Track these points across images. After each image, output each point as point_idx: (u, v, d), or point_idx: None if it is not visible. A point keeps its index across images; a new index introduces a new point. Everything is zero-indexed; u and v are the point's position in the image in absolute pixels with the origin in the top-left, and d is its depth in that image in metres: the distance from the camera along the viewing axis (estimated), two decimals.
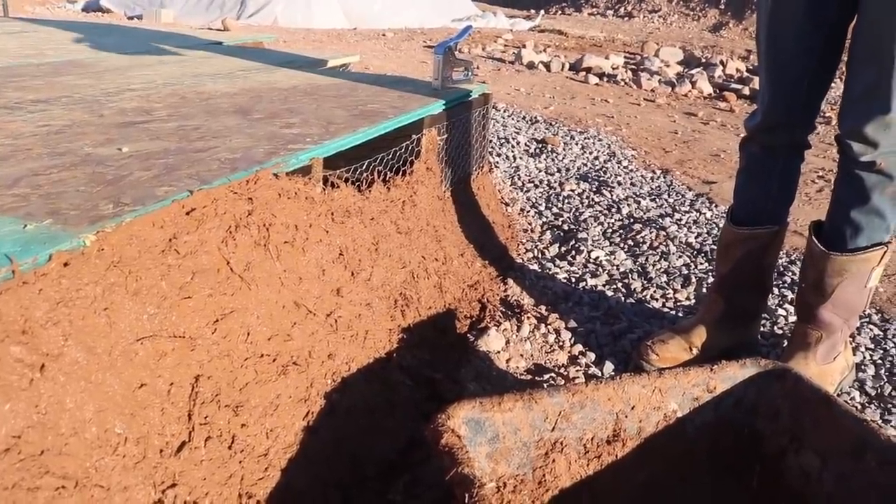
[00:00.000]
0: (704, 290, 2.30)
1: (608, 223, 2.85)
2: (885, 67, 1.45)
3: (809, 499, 1.23)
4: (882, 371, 1.87)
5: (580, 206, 3.05)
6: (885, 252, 1.63)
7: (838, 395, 1.75)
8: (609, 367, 1.85)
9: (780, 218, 1.86)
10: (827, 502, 1.21)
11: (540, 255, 2.53)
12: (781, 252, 1.95)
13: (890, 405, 1.73)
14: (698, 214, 3.01)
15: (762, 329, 2.06)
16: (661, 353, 1.83)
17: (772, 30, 1.67)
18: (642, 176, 3.58)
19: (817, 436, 1.24)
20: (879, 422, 1.68)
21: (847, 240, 1.64)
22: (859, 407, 1.74)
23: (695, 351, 1.87)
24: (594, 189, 3.29)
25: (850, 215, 1.63)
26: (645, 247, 2.61)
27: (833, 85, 1.73)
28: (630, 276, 2.37)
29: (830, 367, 1.74)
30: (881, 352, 1.96)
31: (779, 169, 1.81)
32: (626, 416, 1.26)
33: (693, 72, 7.00)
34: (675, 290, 2.28)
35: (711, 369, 1.32)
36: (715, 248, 2.60)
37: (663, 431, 1.30)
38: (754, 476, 1.34)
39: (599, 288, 2.29)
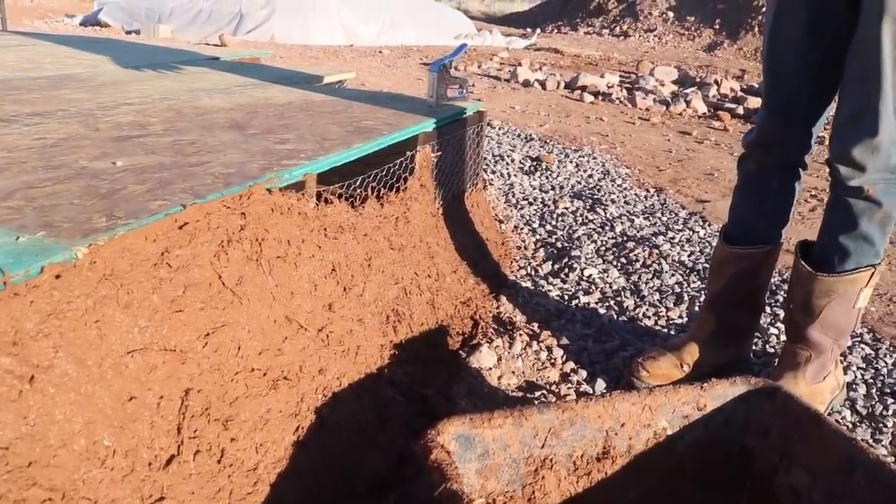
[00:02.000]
0: (697, 308, 2.31)
1: (601, 241, 2.86)
2: (873, 89, 1.46)
3: None
4: (873, 390, 1.87)
5: (574, 223, 3.06)
6: (872, 273, 1.63)
7: (829, 414, 1.75)
8: (601, 384, 1.85)
9: (774, 238, 1.87)
10: None
11: (533, 273, 2.54)
12: (774, 271, 1.95)
13: (881, 424, 1.74)
14: (691, 233, 3.02)
15: (753, 348, 2.06)
16: (651, 370, 1.84)
17: (773, 44, 1.68)
18: (636, 194, 3.59)
19: (807, 454, 1.24)
20: (870, 441, 1.68)
21: (835, 263, 1.65)
22: (850, 426, 1.74)
23: (686, 368, 1.87)
24: (588, 207, 3.30)
25: (838, 240, 1.63)
26: (638, 265, 2.62)
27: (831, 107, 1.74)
28: (623, 293, 2.38)
29: (820, 387, 1.75)
30: (872, 371, 1.97)
31: (774, 188, 1.82)
32: (616, 434, 1.26)
33: (688, 91, 7.05)
34: (668, 309, 2.29)
35: (701, 387, 1.32)
36: (708, 266, 2.61)
37: (653, 449, 1.30)
38: (744, 494, 1.34)
39: (592, 305, 2.29)
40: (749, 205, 1.86)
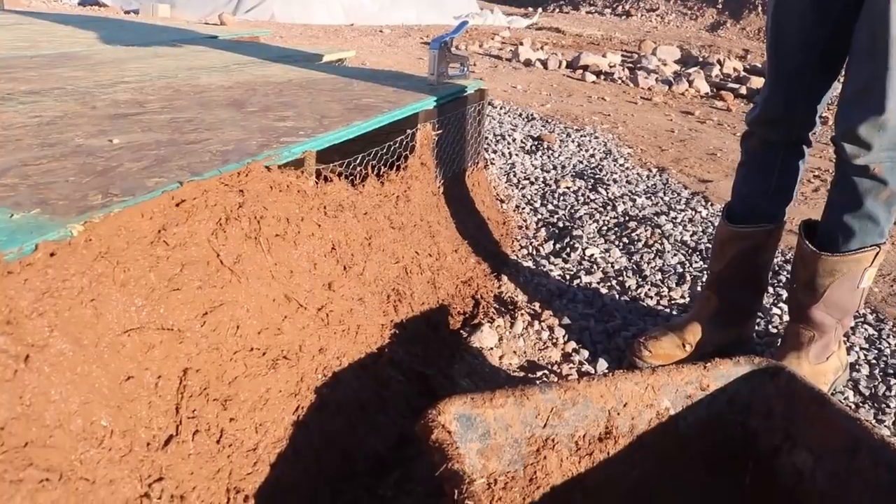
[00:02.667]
0: (699, 288, 2.29)
1: (603, 221, 2.84)
2: (879, 67, 1.44)
3: (802, 497, 1.23)
4: (876, 371, 1.86)
5: (575, 203, 3.04)
6: (877, 253, 1.62)
7: (832, 395, 1.74)
8: (603, 364, 1.84)
9: (777, 216, 1.85)
10: (819, 501, 1.20)
11: (534, 252, 2.52)
12: (777, 251, 1.94)
13: (884, 405, 1.73)
14: (694, 213, 3.00)
15: (757, 328, 2.05)
16: (653, 349, 1.82)
17: (777, 19, 1.66)
18: (638, 174, 3.57)
19: (811, 434, 1.23)
20: (873, 421, 1.67)
21: (839, 242, 1.64)
22: (853, 406, 1.73)
23: (688, 348, 1.86)
24: (590, 186, 3.28)
25: (843, 219, 1.62)
26: (640, 245, 2.60)
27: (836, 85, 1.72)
28: (625, 273, 2.37)
29: (823, 367, 1.73)
30: (875, 352, 1.96)
31: (777, 166, 1.80)
32: (619, 414, 1.25)
33: (690, 71, 7.00)
34: (670, 289, 2.27)
35: (705, 367, 1.31)
36: (710, 246, 2.60)
37: (656, 429, 1.29)
38: (747, 474, 1.34)
39: (594, 285, 2.28)
40: (752, 183, 1.84)
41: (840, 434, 1.18)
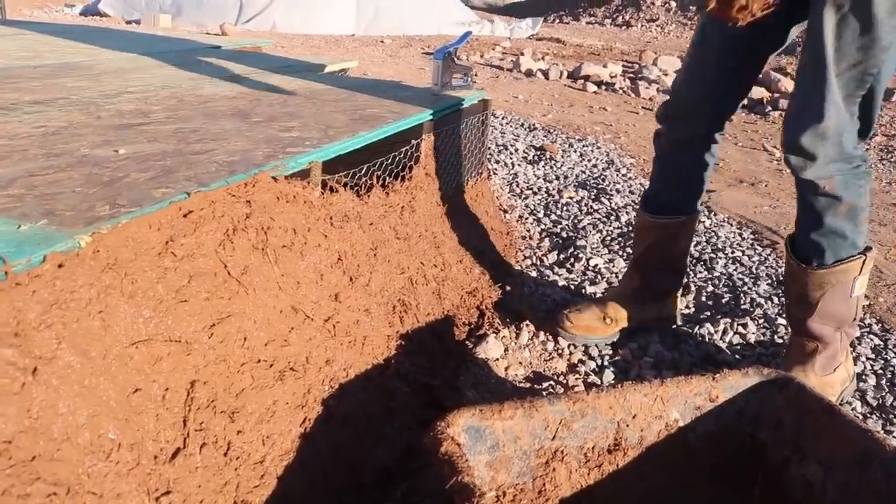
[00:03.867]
0: (703, 298, 2.29)
1: (607, 231, 2.83)
2: (819, 77, 1.46)
3: None
4: (883, 381, 1.86)
5: (579, 213, 3.04)
6: (864, 261, 1.63)
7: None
8: (609, 375, 1.83)
9: (689, 209, 1.93)
10: None
11: (538, 263, 2.52)
12: (693, 237, 2.00)
13: (892, 415, 1.72)
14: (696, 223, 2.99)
15: (762, 338, 2.04)
16: (575, 321, 1.92)
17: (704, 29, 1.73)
18: (641, 184, 3.57)
19: (820, 446, 1.22)
20: (882, 432, 1.66)
21: (815, 258, 1.65)
22: (861, 417, 1.72)
23: (608, 322, 1.94)
24: (593, 197, 3.28)
25: (810, 237, 1.64)
26: None
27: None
28: None
29: (831, 378, 1.73)
30: (882, 362, 1.95)
31: (684, 162, 1.87)
32: (628, 425, 1.25)
33: None
34: None
35: (714, 378, 1.31)
36: (712, 255, 2.60)
37: (665, 440, 1.28)
38: (756, 486, 1.33)
39: (598, 295, 2.27)
40: (662, 178, 1.92)
41: (850, 445, 1.17)
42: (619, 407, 1.23)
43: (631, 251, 2.04)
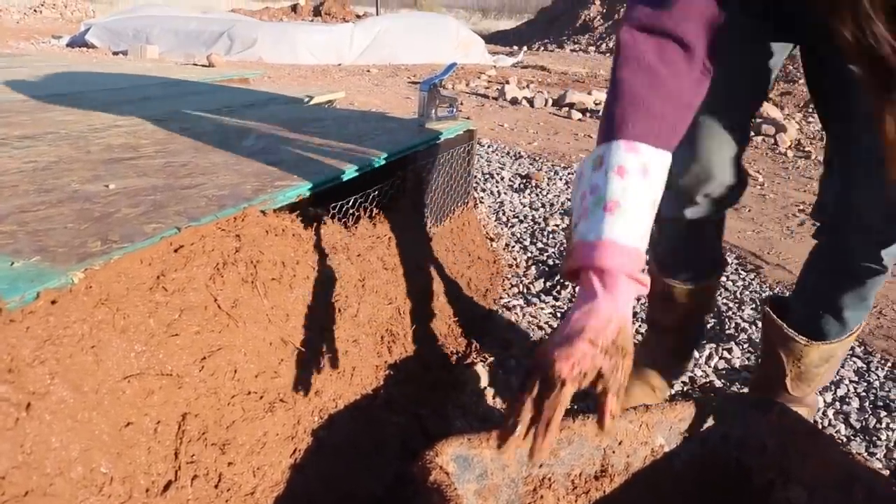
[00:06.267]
0: None
1: None
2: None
3: None
4: (866, 404, 1.88)
5: (565, 241, 3.07)
6: None
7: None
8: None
9: (720, 268, 1.78)
10: None
11: (525, 290, 2.54)
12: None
13: (875, 437, 1.74)
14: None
15: (747, 362, 2.07)
16: (628, 401, 1.70)
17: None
18: None
19: (804, 469, 1.24)
20: (865, 454, 1.69)
21: (834, 332, 1.51)
22: (844, 440, 1.75)
23: (657, 391, 1.79)
24: None
25: (842, 313, 1.48)
26: None
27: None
28: None
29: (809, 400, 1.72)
30: (865, 384, 1.98)
31: (710, 234, 1.68)
32: (614, 452, 1.27)
33: None
34: None
35: (697, 403, 1.33)
36: None
37: (651, 466, 1.30)
38: None
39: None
40: (695, 247, 1.67)
41: (834, 468, 1.20)
42: (605, 433, 1.25)
43: (655, 315, 1.80)
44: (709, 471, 1.33)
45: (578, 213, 1.05)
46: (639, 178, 1.02)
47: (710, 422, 1.33)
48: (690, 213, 1.51)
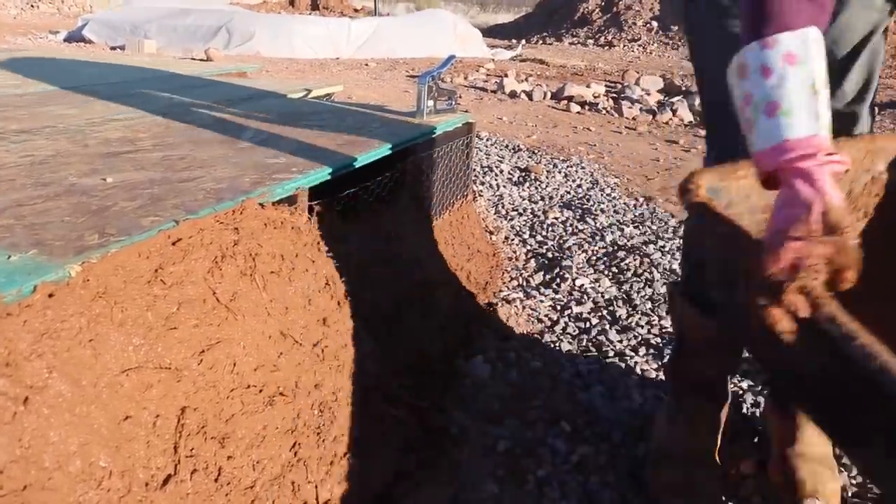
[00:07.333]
0: None
1: (592, 251, 2.86)
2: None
3: None
4: None
5: (564, 233, 3.06)
6: None
7: None
8: (598, 390, 1.85)
9: None
10: None
11: (525, 283, 2.54)
12: None
13: None
14: (681, 241, 3.02)
15: None
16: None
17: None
18: (625, 203, 3.60)
19: None
20: None
21: None
22: None
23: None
24: (578, 217, 3.31)
25: None
26: (629, 274, 2.62)
27: None
28: (615, 303, 2.38)
29: None
30: None
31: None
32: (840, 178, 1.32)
33: (674, 100, 7.08)
34: (661, 317, 2.29)
35: None
36: None
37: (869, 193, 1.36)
38: None
39: (585, 315, 2.29)
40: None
41: None
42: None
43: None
44: None
45: (746, 126, 1.06)
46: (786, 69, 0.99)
47: None
48: None
